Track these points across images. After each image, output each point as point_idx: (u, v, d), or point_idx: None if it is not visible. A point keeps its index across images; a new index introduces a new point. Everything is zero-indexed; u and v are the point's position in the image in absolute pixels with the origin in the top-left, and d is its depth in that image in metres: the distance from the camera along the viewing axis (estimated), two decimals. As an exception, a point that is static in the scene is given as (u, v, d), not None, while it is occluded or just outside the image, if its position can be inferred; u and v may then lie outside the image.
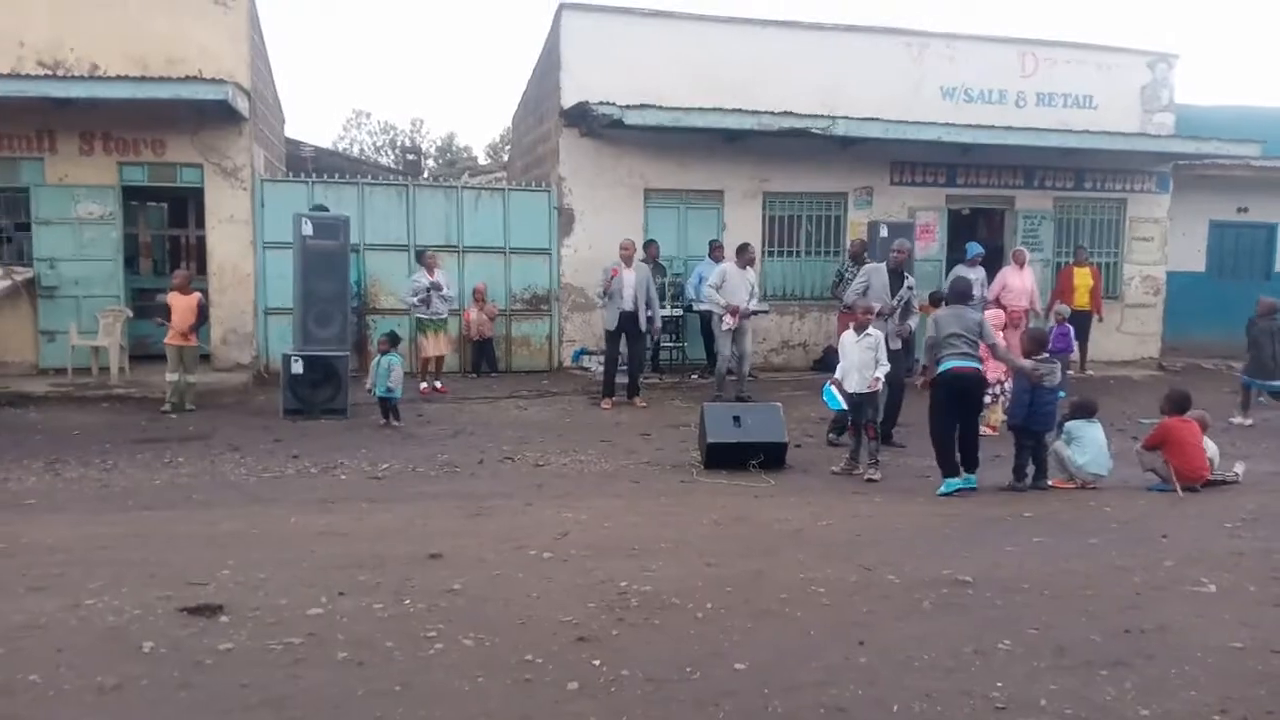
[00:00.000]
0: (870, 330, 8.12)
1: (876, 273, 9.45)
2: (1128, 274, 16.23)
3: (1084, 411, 7.86)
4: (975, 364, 7.51)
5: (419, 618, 4.41)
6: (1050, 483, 7.72)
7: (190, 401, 10.69)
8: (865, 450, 8.10)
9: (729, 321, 11.16)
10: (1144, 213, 16.35)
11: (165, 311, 10.73)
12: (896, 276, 9.35)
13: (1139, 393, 12.81)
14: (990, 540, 6.02)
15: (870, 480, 7.84)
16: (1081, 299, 14.30)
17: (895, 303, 9.19)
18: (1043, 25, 58.60)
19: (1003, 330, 12.37)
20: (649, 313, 11.36)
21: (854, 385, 8.02)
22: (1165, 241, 16.47)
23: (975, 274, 12.93)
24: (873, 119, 13.73)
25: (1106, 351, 15.52)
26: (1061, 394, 11.97)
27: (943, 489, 7.42)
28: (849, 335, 8.26)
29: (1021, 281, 13.47)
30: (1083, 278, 14.45)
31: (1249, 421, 10.91)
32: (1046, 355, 8.00)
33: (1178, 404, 7.77)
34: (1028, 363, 7.64)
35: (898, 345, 9.11)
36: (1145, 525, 6.46)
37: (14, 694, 3.57)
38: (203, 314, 10.96)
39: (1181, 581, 5.16)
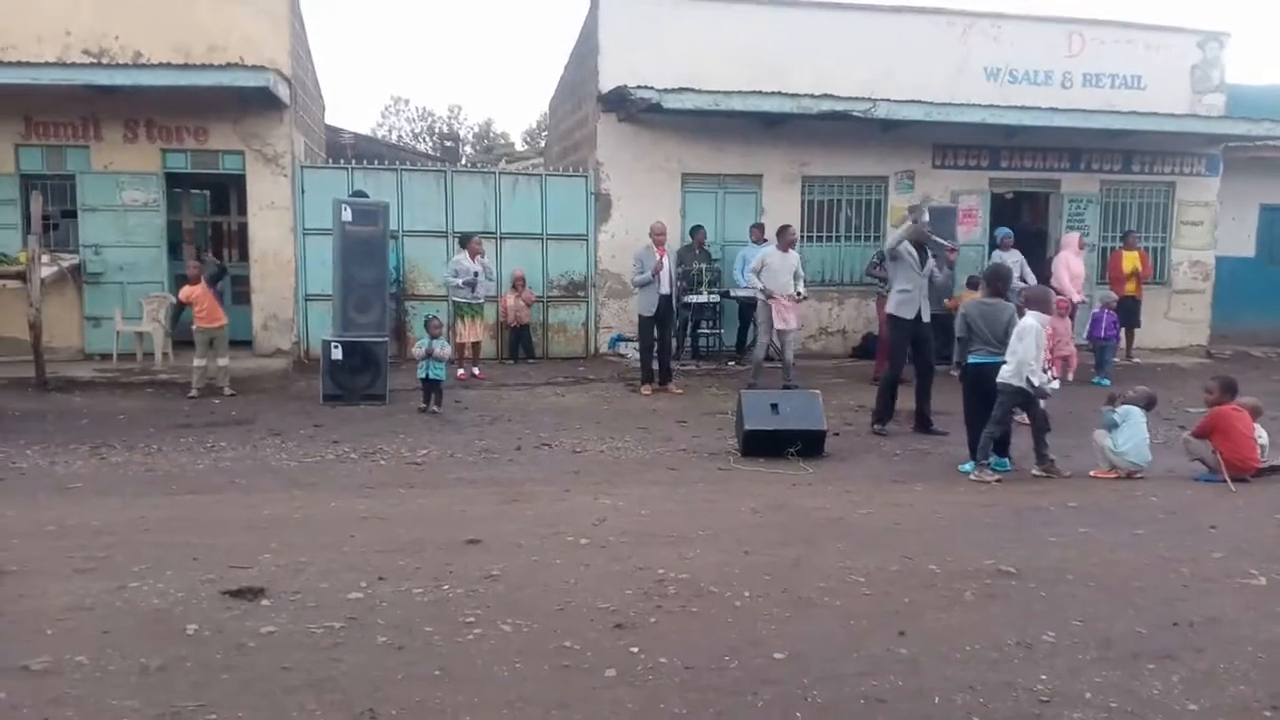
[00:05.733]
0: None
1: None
2: (1175, 259, 15.90)
3: (1144, 403, 7.69)
4: (998, 359, 7.54)
5: (457, 603, 4.43)
6: (1092, 473, 7.58)
7: (228, 386, 10.82)
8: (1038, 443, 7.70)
9: (774, 309, 10.99)
10: (1193, 196, 15.99)
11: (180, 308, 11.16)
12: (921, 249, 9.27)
13: (1186, 380, 12.55)
14: (1033, 530, 5.92)
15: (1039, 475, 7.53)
16: (1130, 284, 14.04)
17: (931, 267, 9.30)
18: (1090, 4, 57.54)
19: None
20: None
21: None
22: (1214, 225, 16.12)
23: (1011, 257, 12.68)
24: (914, 101, 13.53)
25: (1153, 338, 15.23)
26: (1106, 381, 11.89)
27: (965, 467, 7.65)
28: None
29: (1081, 267, 13.26)
30: (1131, 262, 14.15)
31: None
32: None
33: (1228, 388, 7.58)
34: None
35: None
36: (1193, 516, 6.33)
37: (61, 674, 3.63)
38: (213, 285, 11.02)
39: (1231, 573, 5.05)
